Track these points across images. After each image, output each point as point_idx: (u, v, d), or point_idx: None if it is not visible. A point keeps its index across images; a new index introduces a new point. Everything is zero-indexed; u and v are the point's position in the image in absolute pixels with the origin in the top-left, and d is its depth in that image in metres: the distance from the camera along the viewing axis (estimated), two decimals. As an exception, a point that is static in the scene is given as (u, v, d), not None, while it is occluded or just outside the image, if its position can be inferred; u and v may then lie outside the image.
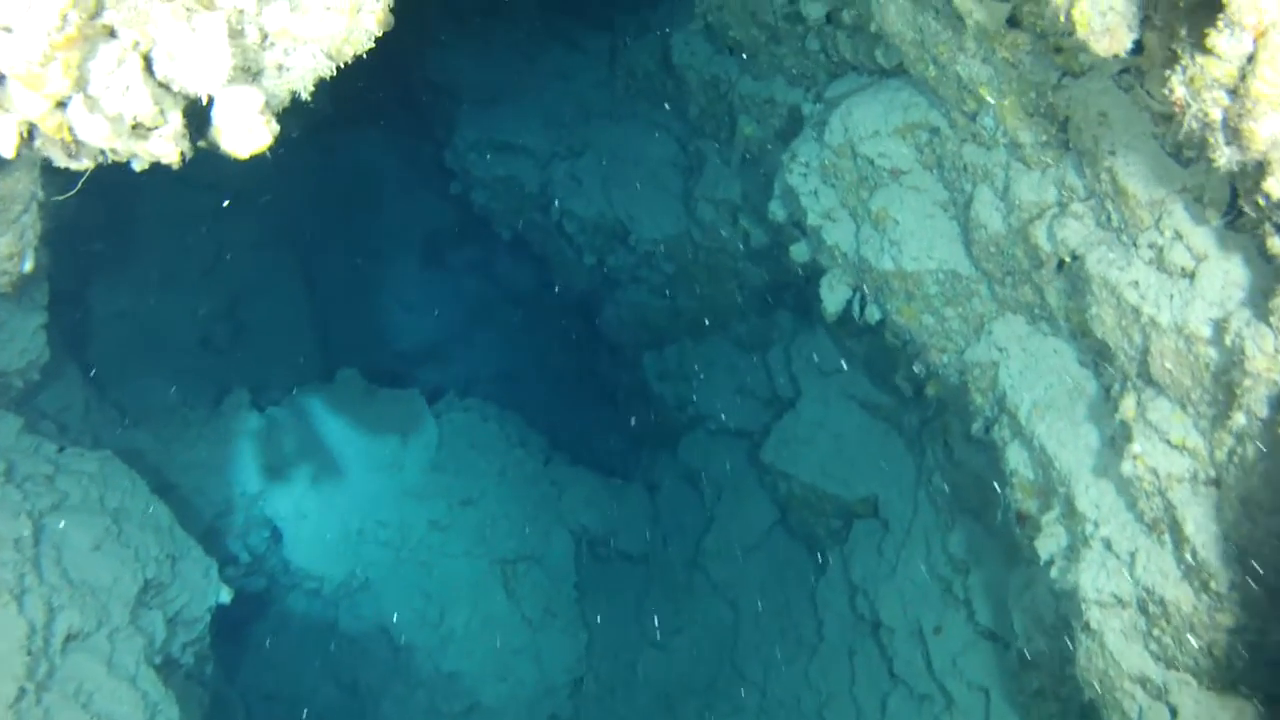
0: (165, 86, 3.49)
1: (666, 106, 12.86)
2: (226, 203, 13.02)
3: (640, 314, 13.73)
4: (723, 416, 12.60)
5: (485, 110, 15.04)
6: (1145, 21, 3.62)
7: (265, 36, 3.56)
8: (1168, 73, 3.18)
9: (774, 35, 9.07)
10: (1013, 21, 5.28)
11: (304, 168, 15.30)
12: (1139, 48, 3.69)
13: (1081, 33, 3.51)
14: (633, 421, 14.39)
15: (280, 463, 12.89)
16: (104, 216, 12.75)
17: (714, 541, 12.19)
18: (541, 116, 14.67)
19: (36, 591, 6.71)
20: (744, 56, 9.77)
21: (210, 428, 12.52)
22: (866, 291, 7.34)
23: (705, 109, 11.33)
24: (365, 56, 3.84)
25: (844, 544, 10.37)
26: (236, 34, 3.48)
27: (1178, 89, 3.14)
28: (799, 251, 8.19)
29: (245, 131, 3.65)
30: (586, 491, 13.96)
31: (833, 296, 7.61)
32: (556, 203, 13.90)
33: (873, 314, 7.39)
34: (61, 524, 7.28)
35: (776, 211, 8.36)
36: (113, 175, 12.26)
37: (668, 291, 13.19)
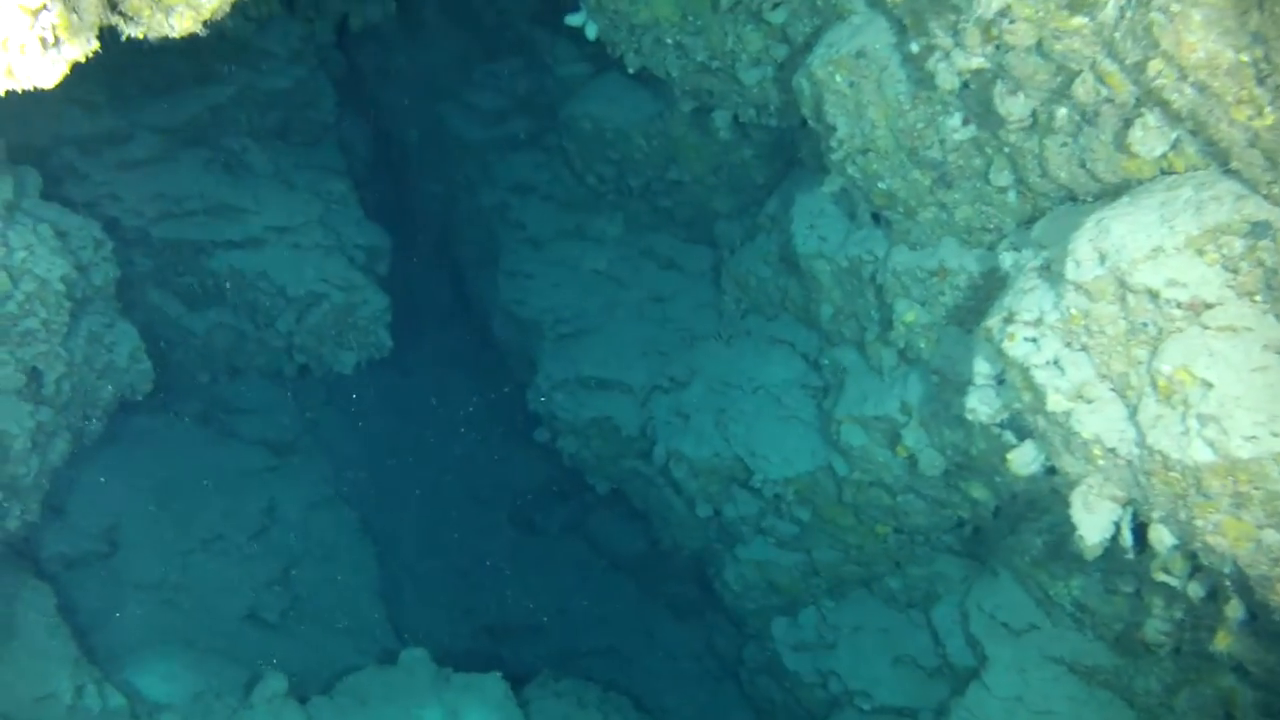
0: None
1: (788, 316, 10.97)
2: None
3: (768, 574, 11.46)
4: (879, 694, 10.26)
5: (571, 344, 13.53)
6: None
7: None
8: None
9: (943, 177, 6.91)
10: None
11: (366, 414, 14.45)
12: None
13: None
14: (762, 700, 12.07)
15: (327, 770, 10.55)
16: (138, 473, 12.03)
17: None
18: (637, 346, 13.06)
19: None
20: (898, 216, 7.63)
21: (237, 723, 10.39)
22: (1150, 505, 4.81)
23: (842, 306, 9.27)
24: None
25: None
26: None
27: None
28: (1023, 459, 5.62)
29: None
30: (712, 790, 11.50)
31: (1094, 519, 4.97)
32: (660, 445, 11.94)
33: (1161, 539, 4.83)
34: None
35: (978, 407, 5.99)
36: (150, 424, 11.23)
37: (802, 544, 11.02)
